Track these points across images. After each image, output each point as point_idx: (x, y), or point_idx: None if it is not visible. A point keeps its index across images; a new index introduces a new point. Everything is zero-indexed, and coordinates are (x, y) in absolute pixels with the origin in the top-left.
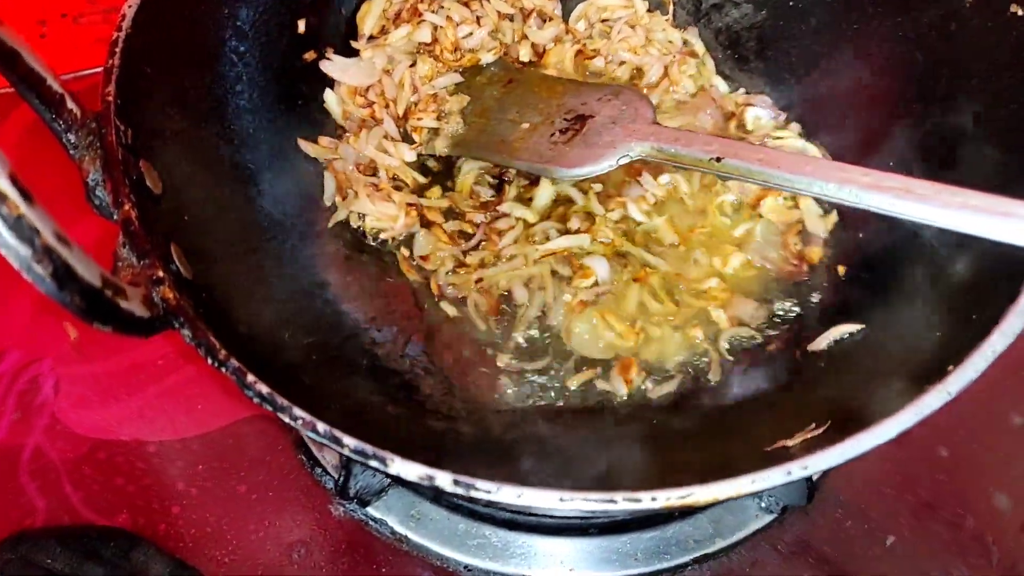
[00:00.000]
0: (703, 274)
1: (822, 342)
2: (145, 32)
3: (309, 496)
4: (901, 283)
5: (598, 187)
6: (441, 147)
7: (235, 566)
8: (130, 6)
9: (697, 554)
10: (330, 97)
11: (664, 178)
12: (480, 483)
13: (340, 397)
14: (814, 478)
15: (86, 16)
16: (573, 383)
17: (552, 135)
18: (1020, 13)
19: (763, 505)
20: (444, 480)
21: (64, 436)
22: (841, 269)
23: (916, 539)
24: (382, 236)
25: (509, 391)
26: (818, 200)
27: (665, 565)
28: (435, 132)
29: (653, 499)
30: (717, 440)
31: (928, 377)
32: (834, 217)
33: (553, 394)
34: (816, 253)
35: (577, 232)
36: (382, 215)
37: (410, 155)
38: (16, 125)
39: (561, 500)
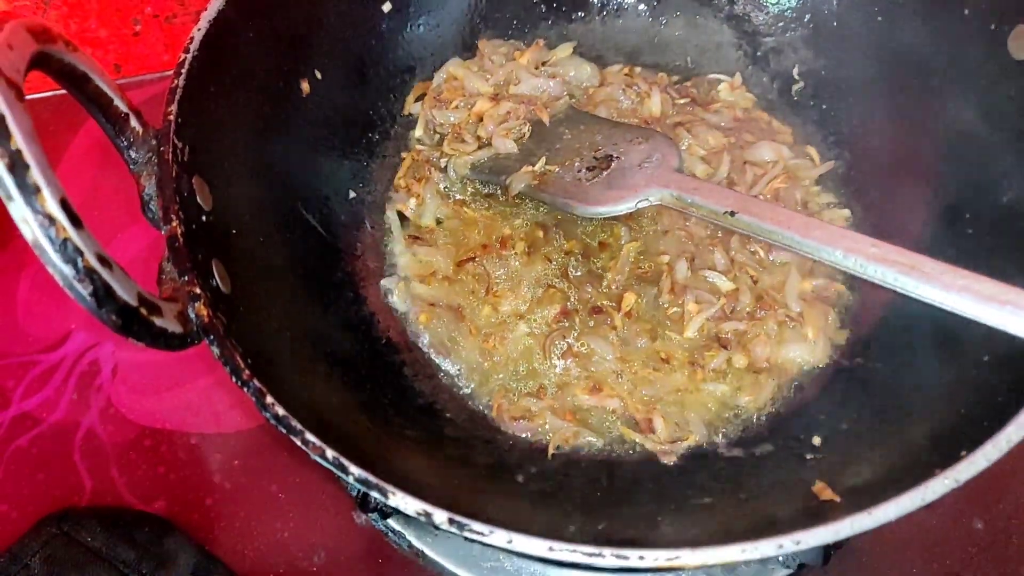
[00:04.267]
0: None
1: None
2: (212, 55)
3: (335, 502)
4: (927, 357)
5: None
6: (462, 170)
7: (257, 561)
8: (199, 29)
9: None
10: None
11: None
12: (474, 524)
13: (359, 417)
14: None
15: (178, 17)
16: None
17: (579, 171)
18: None
19: (780, 559)
20: (440, 518)
21: (116, 420)
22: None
23: None
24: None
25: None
26: None
27: None
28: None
29: (641, 558)
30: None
31: (942, 459)
32: None
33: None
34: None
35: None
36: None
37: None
38: (95, 129)
39: (550, 550)
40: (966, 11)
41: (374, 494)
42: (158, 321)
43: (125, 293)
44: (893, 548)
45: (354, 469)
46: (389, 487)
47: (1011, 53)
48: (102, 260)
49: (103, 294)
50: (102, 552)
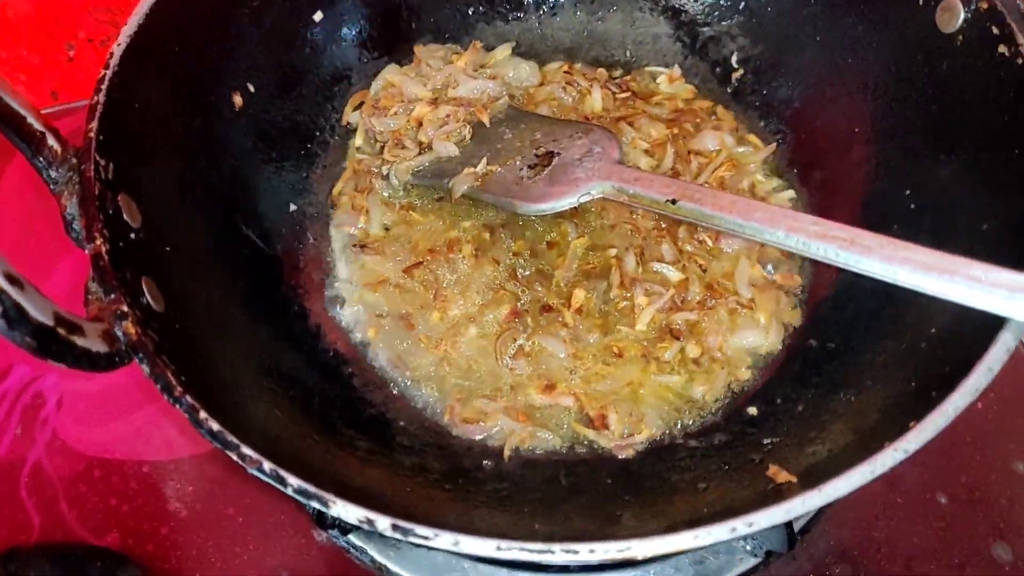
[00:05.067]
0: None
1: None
2: (134, 70)
3: (293, 521)
4: (876, 333)
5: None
6: (404, 176)
7: None
8: (119, 44)
9: None
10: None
11: None
12: (419, 528)
13: (307, 430)
14: (795, 527)
15: (112, 40)
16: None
17: (521, 170)
18: (1007, 54)
19: (747, 548)
20: (383, 524)
21: (63, 453)
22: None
23: None
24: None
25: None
26: None
27: None
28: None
29: (591, 551)
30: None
31: (892, 433)
32: None
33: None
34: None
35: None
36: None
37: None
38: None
39: (499, 549)
40: None
41: (315, 504)
42: (80, 341)
43: (39, 313)
44: (859, 529)
45: (292, 480)
46: (329, 496)
47: (939, 27)
48: (11, 279)
49: (14, 315)
50: None
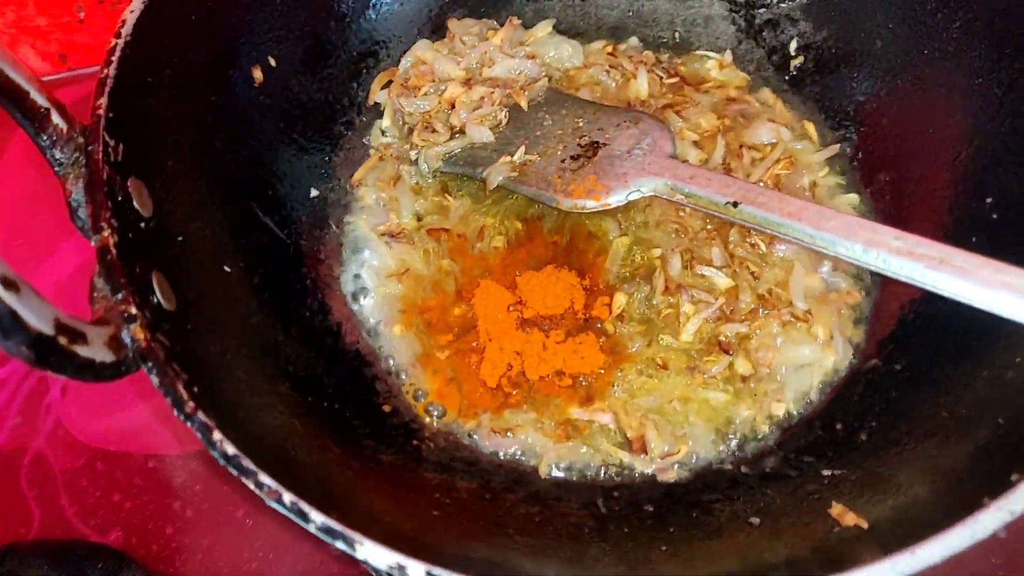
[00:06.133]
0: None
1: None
2: (148, 41)
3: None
4: (954, 359)
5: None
6: (434, 163)
7: None
8: (132, 11)
9: None
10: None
11: None
12: None
13: (327, 442)
14: None
15: (124, 2)
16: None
17: (562, 161)
18: None
19: None
20: (417, 571)
21: (66, 443)
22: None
23: None
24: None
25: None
26: None
27: None
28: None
29: None
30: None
31: (989, 486)
32: None
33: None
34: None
35: None
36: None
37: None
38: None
39: None
40: None
41: (339, 544)
42: (82, 351)
43: (38, 321)
44: None
45: (316, 516)
46: (356, 536)
47: None
48: (7, 283)
49: (9, 323)
50: None
